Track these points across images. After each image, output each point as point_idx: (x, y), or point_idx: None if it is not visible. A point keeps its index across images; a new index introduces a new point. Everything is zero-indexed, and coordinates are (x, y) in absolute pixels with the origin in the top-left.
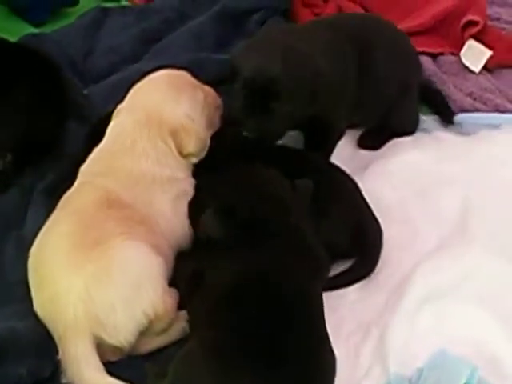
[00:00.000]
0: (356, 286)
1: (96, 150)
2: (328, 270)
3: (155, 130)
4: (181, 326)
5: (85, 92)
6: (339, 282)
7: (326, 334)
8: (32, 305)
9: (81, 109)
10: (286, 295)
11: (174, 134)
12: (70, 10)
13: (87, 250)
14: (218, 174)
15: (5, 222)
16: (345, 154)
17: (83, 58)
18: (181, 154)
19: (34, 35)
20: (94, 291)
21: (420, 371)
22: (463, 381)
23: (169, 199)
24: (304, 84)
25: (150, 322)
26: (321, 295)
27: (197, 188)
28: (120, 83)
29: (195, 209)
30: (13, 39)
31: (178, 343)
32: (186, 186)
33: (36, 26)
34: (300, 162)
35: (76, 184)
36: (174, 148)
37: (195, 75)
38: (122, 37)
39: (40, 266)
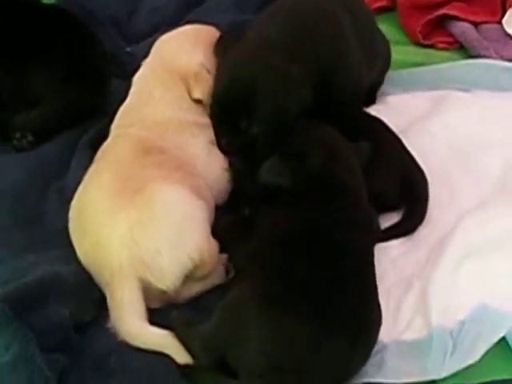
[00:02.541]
0: (397, 242)
1: (123, 104)
2: (378, 230)
3: (168, 75)
4: (220, 271)
5: (128, 49)
6: (391, 233)
7: (375, 288)
8: (74, 251)
9: (123, 66)
10: (339, 246)
11: (184, 79)
12: None
13: (128, 195)
14: None
15: (47, 173)
16: (384, 118)
17: (127, 17)
18: (193, 100)
19: None
20: (138, 235)
21: (462, 324)
22: (505, 331)
23: (201, 143)
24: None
25: (195, 267)
26: (372, 252)
27: None
28: None
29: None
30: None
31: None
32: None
33: None
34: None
35: (110, 137)
36: (186, 93)
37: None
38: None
39: (82, 215)
